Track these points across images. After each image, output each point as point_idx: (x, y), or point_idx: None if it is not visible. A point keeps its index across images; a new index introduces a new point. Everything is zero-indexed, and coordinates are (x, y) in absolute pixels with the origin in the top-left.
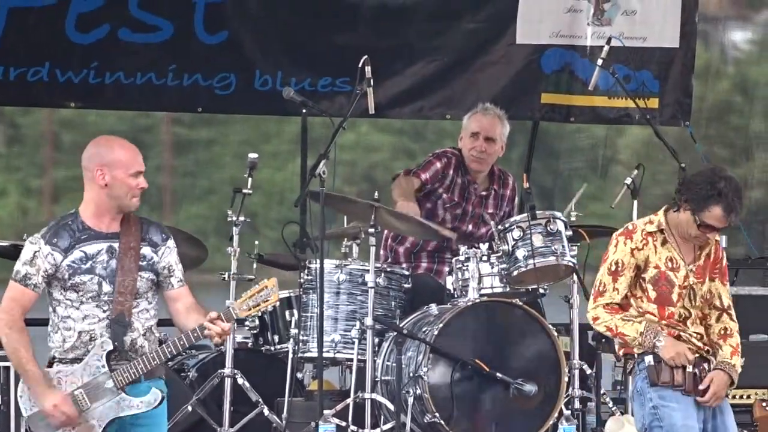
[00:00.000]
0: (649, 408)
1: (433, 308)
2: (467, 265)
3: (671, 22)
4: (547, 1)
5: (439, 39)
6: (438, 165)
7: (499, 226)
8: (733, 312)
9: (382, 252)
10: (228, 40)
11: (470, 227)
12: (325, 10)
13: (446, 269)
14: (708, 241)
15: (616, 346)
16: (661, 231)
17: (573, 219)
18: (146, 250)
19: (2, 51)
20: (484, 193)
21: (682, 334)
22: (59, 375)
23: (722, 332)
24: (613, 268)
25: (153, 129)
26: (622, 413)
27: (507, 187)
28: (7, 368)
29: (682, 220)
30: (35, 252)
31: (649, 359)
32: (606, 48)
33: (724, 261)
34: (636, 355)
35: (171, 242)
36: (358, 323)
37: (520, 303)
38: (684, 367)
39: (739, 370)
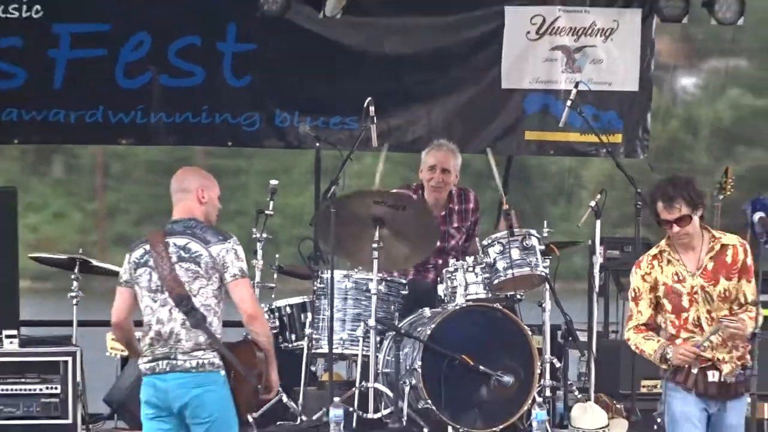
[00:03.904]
0: (664, 398)
1: (427, 311)
2: (455, 275)
3: (632, 70)
4: (527, 52)
5: (432, 84)
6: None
7: (483, 242)
8: (757, 307)
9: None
10: (252, 84)
11: (438, 243)
12: (335, 59)
13: (430, 276)
14: (686, 237)
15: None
16: (662, 252)
17: (545, 235)
18: None
19: (63, 97)
20: (443, 213)
21: (693, 338)
22: None
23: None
24: (632, 295)
25: (189, 160)
26: (586, 400)
27: (469, 202)
28: (66, 362)
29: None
30: None
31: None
32: (574, 91)
33: (748, 261)
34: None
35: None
36: (362, 324)
37: (500, 307)
38: (689, 369)
39: (750, 327)
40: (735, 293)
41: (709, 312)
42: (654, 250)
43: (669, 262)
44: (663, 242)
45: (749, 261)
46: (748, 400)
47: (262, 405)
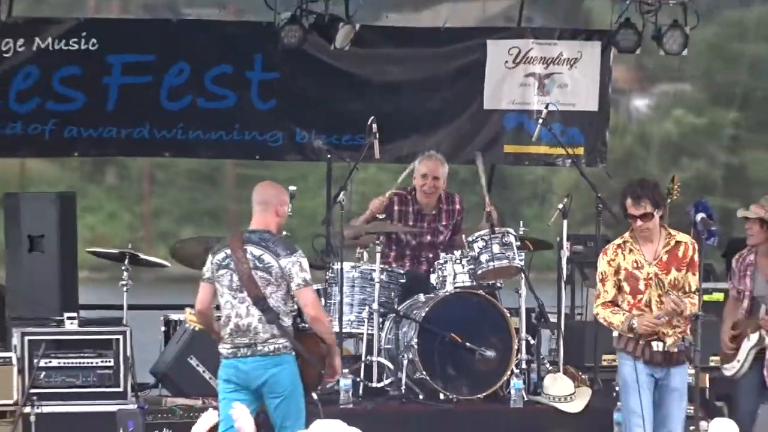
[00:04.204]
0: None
1: (421, 297)
2: (445, 266)
3: (592, 93)
4: (505, 78)
5: (426, 106)
6: (394, 200)
7: (468, 239)
8: (698, 294)
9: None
10: (276, 107)
11: (429, 237)
12: (345, 85)
13: (424, 267)
14: (647, 231)
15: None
16: (626, 242)
17: (521, 233)
18: None
19: (115, 117)
20: (434, 212)
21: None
22: None
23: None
24: (600, 277)
25: (221, 169)
26: (556, 372)
27: (455, 204)
28: (117, 339)
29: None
30: None
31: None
32: (544, 111)
33: (695, 257)
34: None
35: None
36: (367, 308)
37: (484, 293)
38: (637, 341)
39: (688, 310)
40: (682, 282)
41: (659, 296)
42: (619, 240)
43: (631, 251)
44: (627, 234)
45: (696, 257)
46: (690, 369)
47: (323, 384)
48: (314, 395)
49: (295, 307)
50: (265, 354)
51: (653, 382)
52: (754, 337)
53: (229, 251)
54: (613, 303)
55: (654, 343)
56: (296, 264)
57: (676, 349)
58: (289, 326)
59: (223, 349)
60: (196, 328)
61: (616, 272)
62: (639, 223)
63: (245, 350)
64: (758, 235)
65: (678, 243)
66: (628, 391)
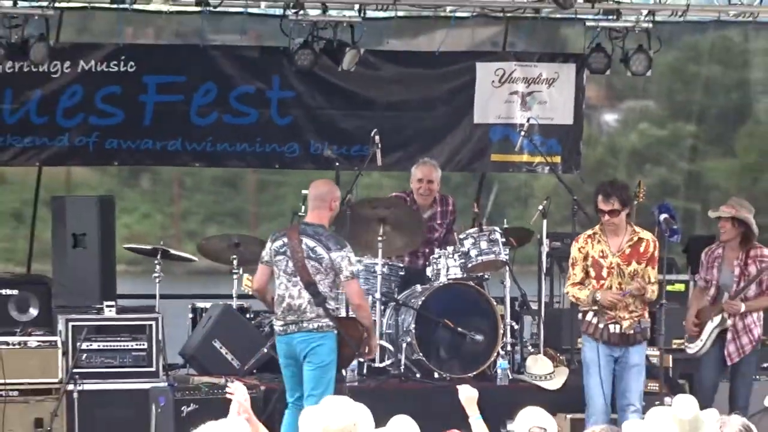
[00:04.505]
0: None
1: (418, 287)
2: (439, 260)
3: (568, 108)
4: (492, 95)
5: (423, 121)
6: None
7: (460, 236)
8: (659, 284)
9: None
10: (293, 122)
11: (426, 234)
12: (352, 102)
13: (420, 261)
14: (613, 225)
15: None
16: (595, 234)
17: (506, 226)
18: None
19: (152, 131)
20: (429, 212)
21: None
22: None
23: None
24: (571, 261)
25: (243, 174)
26: (537, 353)
27: (448, 205)
28: (150, 325)
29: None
30: None
31: (589, 315)
32: (526, 124)
33: (656, 254)
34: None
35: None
36: (370, 297)
37: (473, 284)
38: (598, 323)
39: (648, 293)
40: (642, 274)
41: (620, 284)
42: (590, 231)
43: (599, 241)
44: (597, 227)
45: (656, 254)
46: (652, 351)
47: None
48: (344, 372)
49: (340, 293)
50: (309, 330)
51: (612, 360)
52: (716, 319)
53: (286, 239)
54: (581, 284)
55: (611, 326)
56: (345, 258)
57: (632, 331)
58: (334, 309)
59: (277, 325)
60: (250, 291)
61: (585, 258)
62: (607, 217)
63: (293, 326)
64: (730, 232)
65: (641, 239)
66: (589, 369)
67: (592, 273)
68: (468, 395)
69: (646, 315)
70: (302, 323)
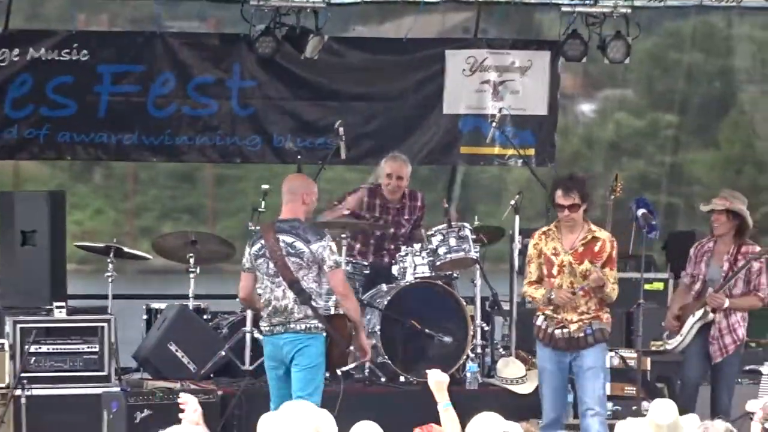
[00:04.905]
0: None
1: (384, 287)
2: (406, 258)
3: (542, 98)
4: (462, 85)
5: (391, 112)
6: (360, 193)
7: (428, 233)
8: (616, 285)
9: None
10: (254, 113)
11: (392, 230)
12: (316, 92)
13: (386, 259)
14: (572, 221)
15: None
16: (550, 230)
17: (476, 225)
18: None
19: (106, 123)
20: (398, 206)
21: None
22: None
23: None
24: (528, 260)
25: (201, 169)
26: (508, 355)
27: (417, 200)
28: (102, 327)
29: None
30: None
31: (539, 320)
32: (498, 115)
33: (613, 254)
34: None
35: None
36: (334, 296)
37: (441, 283)
38: (547, 328)
39: (609, 288)
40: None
41: (571, 283)
42: (545, 228)
43: (552, 239)
44: (552, 224)
45: (614, 254)
46: (630, 352)
47: (347, 362)
48: (338, 372)
49: (327, 288)
50: (297, 331)
51: (566, 366)
52: (698, 313)
53: (263, 241)
54: (538, 282)
55: (557, 331)
56: (327, 248)
57: (582, 334)
58: (321, 307)
59: (263, 327)
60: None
61: (539, 256)
62: (566, 212)
63: (280, 327)
64: (724, 225)
65: (596, 238)
66: (541, 377)
67: (545, 271)
68: (437, 379)
69: (604, 316)
70: (289, 324)
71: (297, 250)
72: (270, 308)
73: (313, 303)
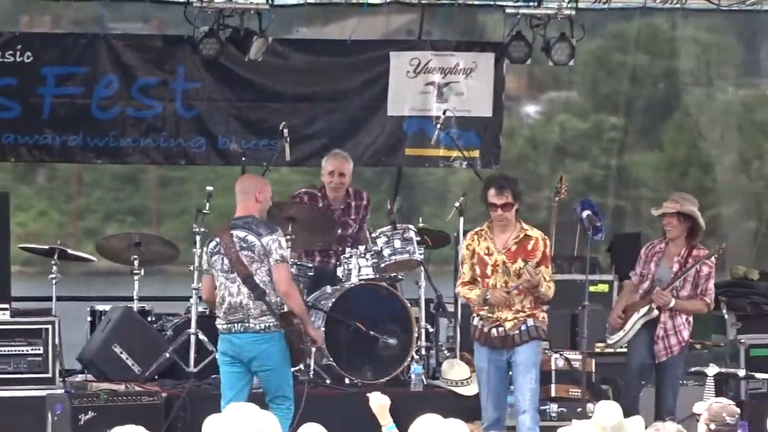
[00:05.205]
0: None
1: (328, 288)
2: (351, 260)
3: (487, 100)
4: (407, 86)
5: (335, 114)
6: (305, 198)
7: (372, 234)
8: (552, 283)
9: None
10: (199, 115)
11: (339, 231)
12: (261, 94)
13: (332, 261)
14: (505, 220)
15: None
16: (483, 230)
17: (421, 226)
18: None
19: (51, 125)
20: (342, 206)
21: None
22: None
23: None
24: (461, 260)
25: (146, 170)
26: (453, 357)
27: (362, 199)
28: (47, 329)
29: None
30: None
31: (475, 320)
32: (443, 117)
33: (547, 252)
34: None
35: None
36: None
37: (386, 285)
38: (483, 327)
39: (543, 287)
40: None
41: (505, 282)
42: (478, 228)
43: (485, 239)
44: (485, 224)
45: (548, 252)
46: (575, 354)
47: (306, 358)
48: (301, 366)
49: None
50: (256, 331)
51: (504, 365)
52: (642, 310)
53: (218, 239)
54: (472, 283)
55: (493, 330)
56: (276, 241)
57: (516, 332)
58: (276, 302)
59: (220, 324)
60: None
61: (472, 256)
62: (500, 212)
63: (239, 326)
64: (677, 228)
65: (528, 237)
66: (478, 376)
67: (478, 271)
68: (379, 402)
69: (540, 315)
70: (248, 323)
71: (249, 243)
72: (225, 305)
73: (268, 298)
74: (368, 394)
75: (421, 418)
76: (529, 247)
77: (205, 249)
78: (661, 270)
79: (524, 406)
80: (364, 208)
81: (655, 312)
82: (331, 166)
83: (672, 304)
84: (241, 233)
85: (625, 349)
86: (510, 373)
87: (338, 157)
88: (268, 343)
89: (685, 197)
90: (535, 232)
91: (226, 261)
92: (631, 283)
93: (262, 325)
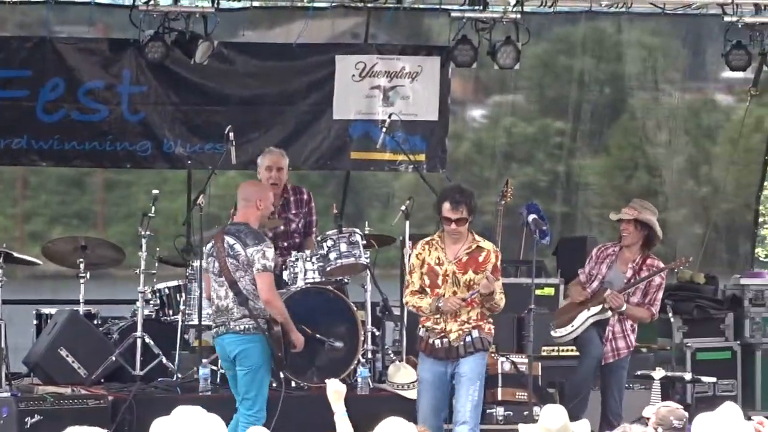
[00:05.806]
0: None
1: None
2: (297, 264)
3: (432, 104)
4: (352, 90)
5: (281, 117)
6: None
7: (318, 238)
8: (502, 295)
9: None
10: (145, 119)
11: (282, 227)
12: (206, 98)
13: (280, 258)
14: (458, 234)
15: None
16: (433, 240)
17: (367, 232)
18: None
19: None
20: (281, 203)
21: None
22: None
23: None
24: (410, 269)
25: (91, 173)
26: (399, 361)
27: (303, 194)
28: None
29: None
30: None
31: (420, 331)
32: (388, 120)
33: (498, 264)
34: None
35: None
36: None
37: (332, 288)
38: (428, 339)
39: (497, 296)
40: (477, 282)
41: (454, 292)
42: (428, 237)
43: (436, 248)
44: (436, 234)
45: (498, 264)
46: (521, 357)
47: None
48: (281, 375)
49: None
50: (237, 332)
51: (447, 375)
52: (594, 309)
53: (214, 242)
54: (421, 292)
55: (437, 341)
56: (260, 252)
57: (461, 343)
58: (259, 307)
59: (213, 328)
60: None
61: (422, 266)
62: (453, 226)
63: (222, 328)
64: (633, 235)
65: (480, 248)
66: (419, 386)
67: (427, 281)
68: (335, 389)
69: (486, 326)
70: (230, 324)
71: (235, 252)
72: (214, 307)
73: (251, 304)
74: (326, 380)
75: (386, 421)
76: (480, 258)
77: (205, 250)
78: (612, 273)
79: (464, 417)
80: (306, 203)
81: (608, 313)
82: (268, 161)
83: (624, 308)
84: (231, 240)
85: (571, 353)
86: (453, 382)
87: (274, 152)
88: (248, 343)
89: (644, 205)
90: (486, 244)
91: (216, 264)
92: (578, 280)
93: (242, 327)
